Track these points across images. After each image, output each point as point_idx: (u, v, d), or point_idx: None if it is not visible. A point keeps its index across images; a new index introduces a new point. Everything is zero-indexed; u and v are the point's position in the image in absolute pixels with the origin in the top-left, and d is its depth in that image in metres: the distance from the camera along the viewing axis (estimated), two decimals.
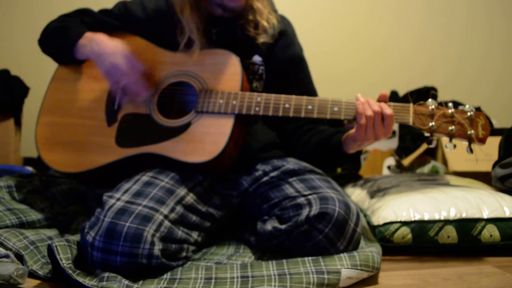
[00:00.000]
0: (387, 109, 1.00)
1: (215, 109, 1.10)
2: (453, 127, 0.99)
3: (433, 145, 1.02)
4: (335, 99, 1.06)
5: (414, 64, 2.84)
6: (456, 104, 1.03)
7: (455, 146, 1.00)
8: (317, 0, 2.79)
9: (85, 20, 1.27)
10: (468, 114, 1.00)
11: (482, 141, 0.99)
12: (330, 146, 1.15)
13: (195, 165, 1.06)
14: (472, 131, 0.99)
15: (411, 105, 1.02)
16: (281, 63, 1.26)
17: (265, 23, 1.21)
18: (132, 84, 1.13)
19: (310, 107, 1.07)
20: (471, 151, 0.99)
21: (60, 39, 1.22)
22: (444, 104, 1.02)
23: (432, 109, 1.01)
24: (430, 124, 1.00)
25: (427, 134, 1.02)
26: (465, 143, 1.00)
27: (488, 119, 1.02)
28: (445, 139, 1.02)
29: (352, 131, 1.07)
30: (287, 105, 1.08)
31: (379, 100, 1.04)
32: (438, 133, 1.00)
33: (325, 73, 2.57)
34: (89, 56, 1.17)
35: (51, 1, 2.46)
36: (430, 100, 1.02)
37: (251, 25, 1.21)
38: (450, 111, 1.00)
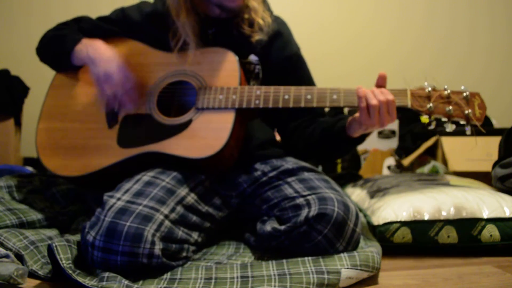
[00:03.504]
0: (390, 95, 1.00)
1: (215, 105, 1.10)
2: (450, 107, 1.01)
3: (432, 127, 1.04)
4: (334, 88, 1.07)
5: (417, 65, 2.84)
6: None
7: (455, 125, 1.02)
8: (321, 3, 2.79)
9: (83, 26, 1.28)
10: (464, 94, 1.02)
11: (479, 119, 1.01)
12: (335, 132, 1.14)
13: (198, 161, 1.06)
14: (470, 110, 1.00)
15: (408, 88, 1.04)
16: (279, 63, 1.26)
17: (260, 21, 1.22)
18: (121, 94, 1.14)
19: (309, 96, 1.07)
20: (470, 131, 1.01)
21: (58, 46, 1.22)
22: None
23: (428, 91, 1.03)
24: (428, 105, 1.01)
25: (425, 116, 1.03)
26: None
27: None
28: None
29: (358, 115, 1.06)
30: (286, 96, 1.08)
31: (378, 83, 1.05)
32: (436, 113, 1.01)
33: (329, 74, 2.57)
34: (85, 60, 1.18)
35: (50, 1, 2.46)
36: (426, 83, 1.04)
37: (246, 23, 1.22)
38: (446, 92, 1.02)
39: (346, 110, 2.18)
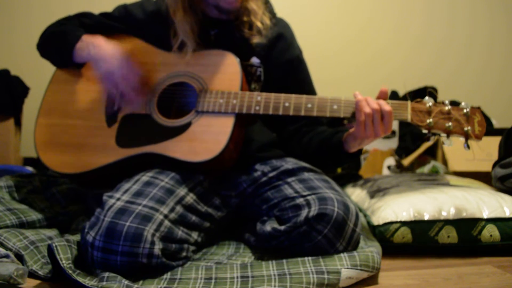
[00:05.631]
0: (386, 106, 1.00)
1: (215, 109, 1.10)
2: (450, 123, 1.01)
3: (430, 142, 1.04)
4: (334, 97, 1.07)
5: (416, 65, 2.84)
6: (456, 103, 1.05)
7: (451, 142, 1.02)
8: (320, 3, 2.79)
9: (84, 22, 1.27)
10: (464, 110, 1.02)
11: (478, 137, 1.01)
12: (331, 146, 1.15)
13: (195, 164, 1.06)
14: (469, 127, 1.00)
15: (408, 102, 1.04)
16: (280, 66, 1.26)
17: (259, 24, 1.22)
18: (127, 89, 1.13)
19: (309, 105, 1.07)
20: (468, 147, 1.01)
21: (59, 43, 1.22)
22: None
23: (429, 106, 1.02)
24: (428, 121, 1.01)
25: (424, 131, 1.03)
26: (462, 140, 1.02)
27: (484, 115, 1.04)
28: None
29: (353, 129, 1.07)
30: (287, 104, 1.08)
31: (379, 97, 1.04)
32: (436, 129, 1.02)
33: (328, 74, 2.57)
34: (87, 59, 1.18)
35: (51, 1, 2.46)
36: (427, 97, 1.05)
37: (245, 26, 1.22)
38: (447, 108, 1.02)
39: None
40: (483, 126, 1.01)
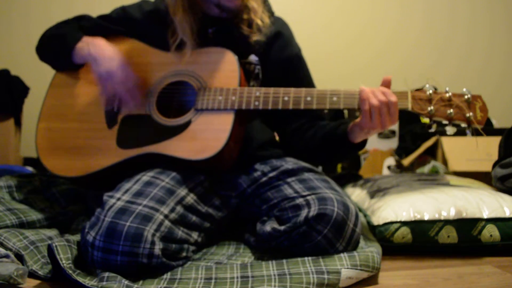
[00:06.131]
0: (392, 96, 1.00)
1: (214, 106, 1.10)
2: (451, 110, 1.00)
3: (433, 130, 1.03)
4: (334, 89, 1.06)
5: (417, 64, 2.84)
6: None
7: (456, 128, 1.02)
8: (321, 2, 2.79)
9: (84, 25, 1.28)
10: (466, 97, 1.01)
11: (480, 123, 1.00)
12: (336, 137, 1.15)
13: (197, 162, 1.06)
14: (471, 113, 1.00)
15: (409, 91, 1.03)
16: (279, 64, 1.26)
17: (259, 22, 1.22)
18: (123, 93, 1.14)
19: (309, 98, 1.07)
20: (471, 133, 1.00)
21: (58, 44, 1.22)
22: None
23: (429, 94, 1.02)
24: (429, 108, 1.01)
25: (426, 119, 1.02)
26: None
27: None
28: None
29: (359, 119, 1.07)
30: (286, 98, 1.08)
31: (382, 85, 1.04)
32: (437, 117, 1.01)
33: (329, 73, 2.57)
34: (86, 58, 1.18)
35: (50, 1, 2.46)
36: (427, 85, 1.04)
37: (245, 24, 1.22)
38: (447, 95, 1.01)
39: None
40: (485, 111, 1.00)
